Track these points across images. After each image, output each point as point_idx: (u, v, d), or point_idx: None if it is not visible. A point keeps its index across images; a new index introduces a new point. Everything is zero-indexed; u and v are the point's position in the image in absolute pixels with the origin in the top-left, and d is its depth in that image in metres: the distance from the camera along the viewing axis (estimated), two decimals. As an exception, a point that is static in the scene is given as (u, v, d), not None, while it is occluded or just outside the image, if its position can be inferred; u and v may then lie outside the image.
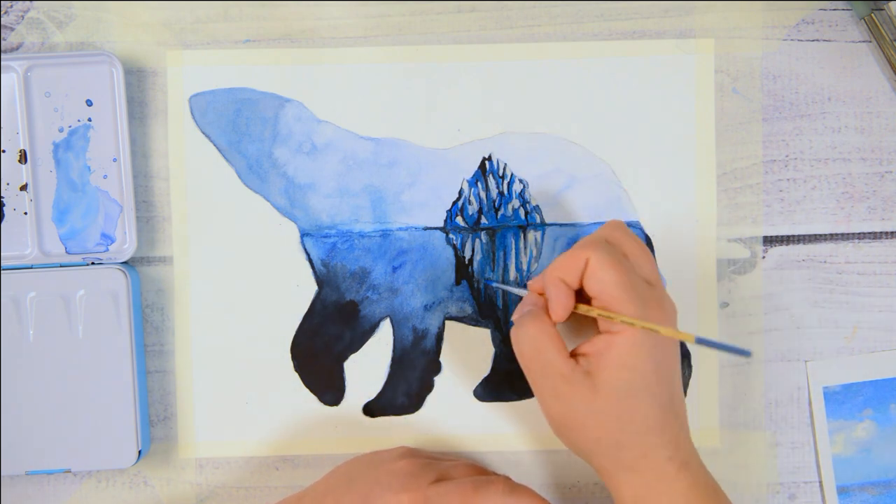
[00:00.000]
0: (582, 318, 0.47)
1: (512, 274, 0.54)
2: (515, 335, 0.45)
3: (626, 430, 0.43)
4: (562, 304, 0.44)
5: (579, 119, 0.54)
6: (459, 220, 0.54)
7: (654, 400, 0.43)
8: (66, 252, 0.53)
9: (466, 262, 0.54)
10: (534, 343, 0.44)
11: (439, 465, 0.48)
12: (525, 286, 0.53)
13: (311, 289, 0.54)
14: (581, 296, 0.45)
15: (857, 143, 0.54)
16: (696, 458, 0.45)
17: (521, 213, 0.54)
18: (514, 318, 0.47)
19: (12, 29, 0.53)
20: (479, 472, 0.49)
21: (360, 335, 0.54)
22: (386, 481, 0.46)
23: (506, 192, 0.54)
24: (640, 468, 0.44)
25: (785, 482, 0.54)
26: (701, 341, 0.40)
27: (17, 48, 0.53)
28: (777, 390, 0.54)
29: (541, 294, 0.46)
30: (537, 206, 0.54)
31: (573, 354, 0.44)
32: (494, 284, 0.53)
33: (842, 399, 0.54)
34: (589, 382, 0.43)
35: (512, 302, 0.54)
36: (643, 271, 0.45)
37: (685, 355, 0.54)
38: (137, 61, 0.53)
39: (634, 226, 0.54)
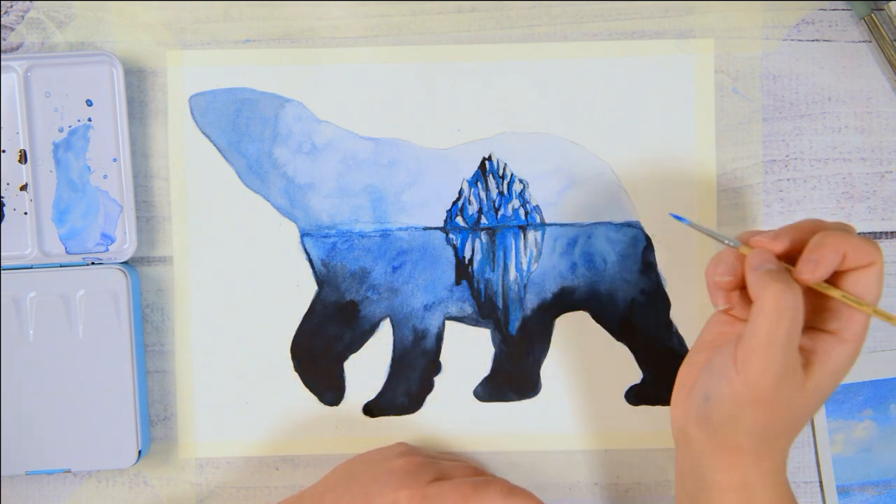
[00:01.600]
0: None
1: (512, 274, 0.54)
2: (787, 292, 0.39)
3: (785, 427, 0.43)
4: (827, 271, 0.40)
5: (579, 119, 0.54)
6: (459, 220, 0.54)
7: (818, 409, 0.44)
8: (66, 252, 0.53)
9: (466, 262, 0.54)
10: (794, 312, 0.40)
11: (438, 464, 0.48)
12: (522, 279, 0.53)
13: (311, 289, 0.54)
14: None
15: (857, 143, 0.54)
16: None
17: (521, 213, 0.54)
18: (755, 266, 0.41)
19: (12, 29, 0.53)
20: (477, 472, 0.49)
21: (360, 335, 0.54)
22: (384, 479, 0.46)
23: (506, 192, 0.54)
24: (769, 458, 0.43)
25: (785, 482, 0.54)
26: None
27: (17, 48, 0.53)
28: (777, 390, 0.54)
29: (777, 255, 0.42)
30: (537, 206, 0.54)
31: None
32: (691, 224, 0.46)
33: (842, 399, 0.54)
34: (799, 377, 0.41)
35: (512, 301, 0.54)
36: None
37: (685, 355, 0.54)
38: (137, 61, 0.53)
39: (634, 226, 0.54)
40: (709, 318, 0.46)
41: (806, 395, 0.42)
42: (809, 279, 0.40)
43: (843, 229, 0.42)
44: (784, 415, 0.42)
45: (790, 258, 0.42)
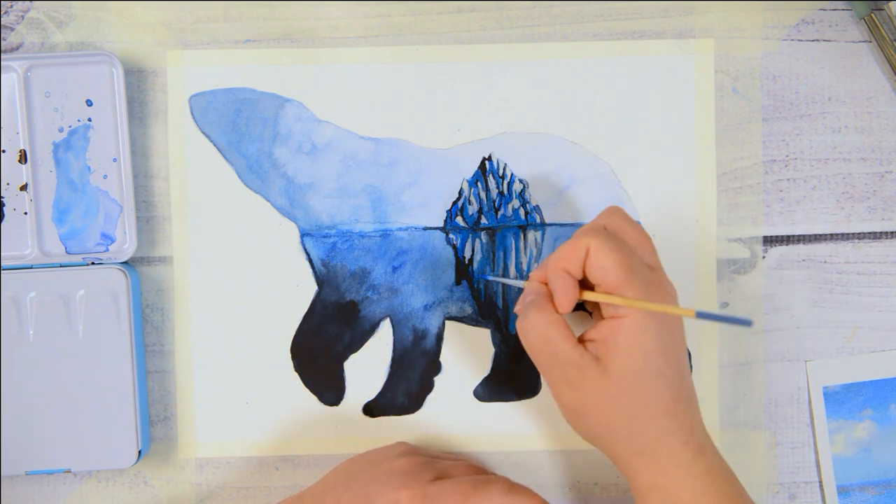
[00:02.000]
0: (587, 305, 0.47)
1: (512, 274, 0.54)
2: (522, 327, 0.45)
3: (638, 415, 0.43)
4: (567, 295, 0.44)
5: (579, 119, 0.54)
6: (459, 220, 0.54)
7: (664, 382, 0.43)
8: (66, 252, 0.53)
9: (466, 262, 0.54)
10: (541, 333, 0.44)
11: (439, 463, 0.48)
12: (522, 279, 0.54)
13: (311, 289, 0.54)
14: (584, 284, 0.45)
15: (857, 143, 0.54)
16: (710, 443, 0.45)
17: (521, 213, 0.54)
18: (516, 309, 0.47)
19: (12, 29, 0.53)
20: (478, 471, 0.49)
21: (360, 335, 0.54)
22: (385, 479, 0.46)
23: (506, 192, 0.54)
24: (655, 453, 0.44)
25: (785, 482, 0.54)
26: (702, 315, 0.41)
27: (17, 48, 0.53)
28: (777, 390, 0.54)
29: (543, 283, 0.46)
30: (537, 206, 0.54)
31: (581, 341, 0.44)
32: (490, 278, 0.53)
33: (842, 399, 0.54)
34: (599, 368, 0.43)
35: (512, 301, 0.54)
36: (643, 255, 0.45)
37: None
38: (137, 61, 0.53)
39: (634, 226, 0.54)
40: None
41: (615, 382, 0.43)
42: (561, 311, 0.44)
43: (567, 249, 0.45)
44: (613, 409, 0.43)
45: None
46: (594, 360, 0.43)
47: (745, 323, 0.39)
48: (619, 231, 0.45)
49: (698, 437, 0.44)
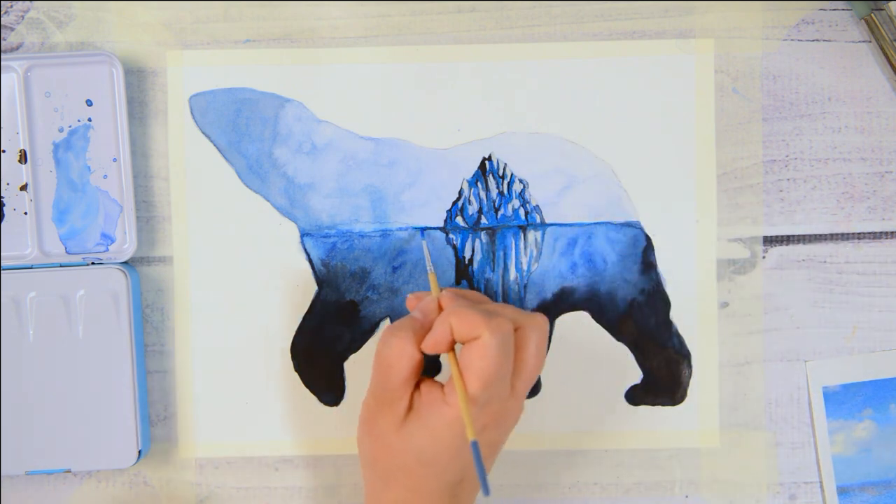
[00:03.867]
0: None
1: (512, 274, 0.54)
2: (391, 336, 0.44)
3: (395, 483, 0.45)
4: (437, 345, 0.44)
5: (579, 119, 0.54)
6: (459, 220, 0.54)
7: (435, 476, 0.44)
8: (66, 252, 0.53)
9: (466, 263, 0.54)
10: (401, 359, 0.44)
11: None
12: (522, 279, 0.54)
13: (311, 289, 0.54)
14: None
15: (857, 143, 0.54)
16: None
17: (521, 213, 0.54)
18: (407, 304, 0.48)
19: (12, 29, 0.53)
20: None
21: (360, 335, 0.54)
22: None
23: (506, 192, 0.54)
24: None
25: (785, 482, 0.54)
26: (475, 450, 0.41)
27: (17, 48, 0.53)
28: (777, 390, 0.54)
29: (438, 305, 0.46)
30: (537, 206, 0.54)
31: (418, 381, 0.45)
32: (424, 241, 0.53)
33: (842, 399, 0.54)
34: (403, 419, 0.44)
35: (512, 301, 0.54)
36: (519, 379, 0.44)
37: (685, 355, 0.54)
38: (137, 61, 0.53)
39: (634, 226, 0.54)
40: None
41: (405, 436, 0.44)
42: (426, 350, 0.44)
43: (470, 302, 0.45)
44: (392, 452, 0.45)
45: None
46: (407, 409, 0.44)
47: (485, 491, 0.39)
48: (525, 340, 0.44)
49: None
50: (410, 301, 0.48)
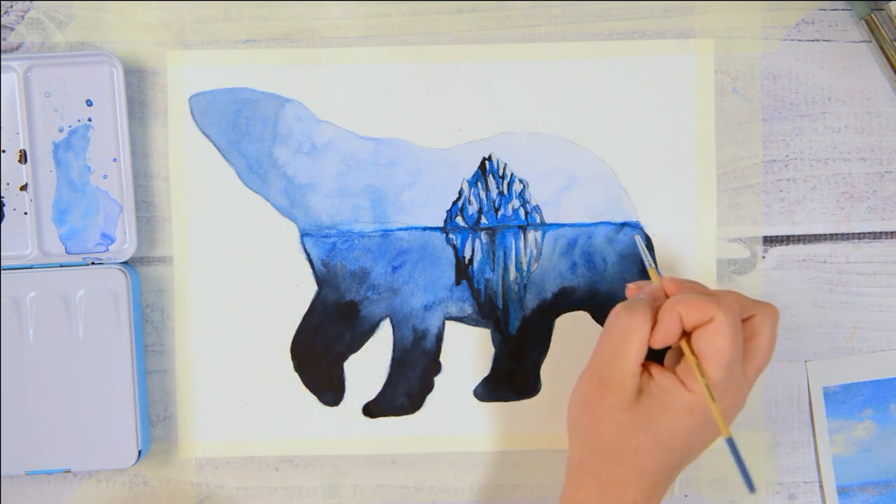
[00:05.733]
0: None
1: (512, 274, 0.54)
2: (620, 314, 0.45)
3: (630, 463, 0.44)
4: (668, 336, 0.44)
5: (579, 119, 0.54)
6: (459, 220, 0.54)
7: (667, 460, 0.44)
8: (66, 252, 0.53)
9: (466, 263, 0.54)
10: (627, 334, 0.44)
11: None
12: (522, 279, 0.54)
13: (311, 289, 0.54)
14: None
15: (857, 143, 0.54)
16: None
17: (521, 213, 0.54)
18: (628, 292, 0.48)
19: (12, 29, 0.53)
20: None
21: (360, 335, 0.54)
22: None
23: (506, 192, 0.54)
24: (602, 490, 0.45)
25: (785, 482, 0.54)
26: (730, 445, 0.42)
27: (17, 48, 0.53)
28: (777, 390, 0.54)
29: (664, 293, 0.46)
30: (537, 206, 0.54)
31: (645, 365, 0.45)
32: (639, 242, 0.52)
33: (842, 399, 0.54)
34: (635, 398, 0.44)
35: (512, 301, 0.54)
36: (751, 365, 0.45)
37: (685, 355, 0.54)
38: (137, 61, 0.53)
39: (634, 226, 0.54)
40: None
41: (635, 417, 0.44)
42: (652, 345, 0.44)
43: (693, 290, 0.45)
44: (614, 431, 0.44)
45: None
46: (639, 389, 0.44)
47: (750, 488, 0.40)
48: (755, 330, 0.45)
49: None
50: (631, 290, 0.48)
